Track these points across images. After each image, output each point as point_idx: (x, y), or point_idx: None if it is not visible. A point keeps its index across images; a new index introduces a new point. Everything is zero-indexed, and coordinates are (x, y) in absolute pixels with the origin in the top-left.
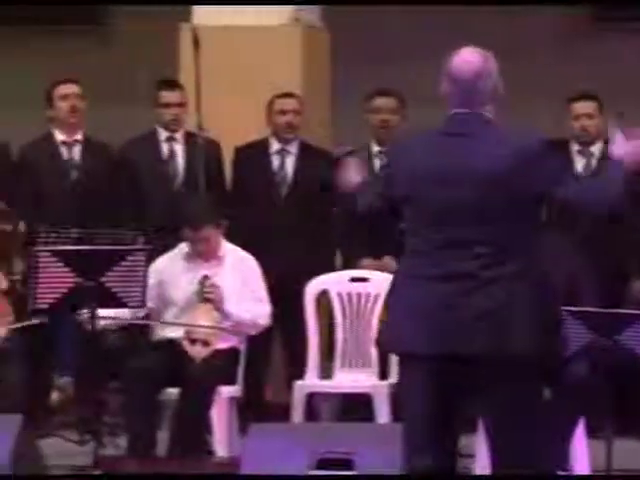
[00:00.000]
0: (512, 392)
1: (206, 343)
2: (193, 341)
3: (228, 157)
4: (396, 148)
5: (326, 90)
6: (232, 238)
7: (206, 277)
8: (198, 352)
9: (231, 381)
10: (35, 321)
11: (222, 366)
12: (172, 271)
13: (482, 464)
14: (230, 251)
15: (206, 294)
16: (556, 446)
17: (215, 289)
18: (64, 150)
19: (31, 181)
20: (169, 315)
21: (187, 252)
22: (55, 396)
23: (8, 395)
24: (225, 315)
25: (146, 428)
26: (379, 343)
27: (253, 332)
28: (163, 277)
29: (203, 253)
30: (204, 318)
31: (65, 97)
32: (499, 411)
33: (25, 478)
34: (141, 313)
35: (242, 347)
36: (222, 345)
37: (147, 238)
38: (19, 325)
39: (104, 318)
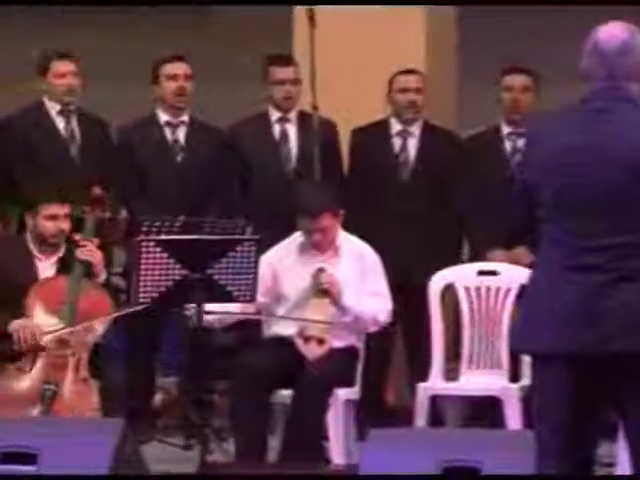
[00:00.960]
0: None
1: (321, 341)
2: (307, 339)
3: (345, 140)
4: (532, 129)
5: (451, 67)
6: (350, 227)
7: (321, 269)
8: (312, 351)
9: (348, 383)
10: (138, 307)
11: (339, 366)
12: (285, 263)
13: (623, 473)
14: (347, 241)
15: (322, 287)
16: None
17: (331, 282)
18: (168, 132)
19: (132, 165)
20: (281, 311)
21: (301, 243)
22: (159, 398)
23: (109, 397)
24: (342, 310)
25: (256, 432)
26: (512, 343)
27: (372, 329)
28: (275, 270)
29: (319, 244)
30: (319, 314)
31: (173, 77)
32: None
33: None
34: (251, 308)
35: (360, 346)
36: (339, 343)
37: (257, 228)
38: (120, 314)
39: (211, 313)
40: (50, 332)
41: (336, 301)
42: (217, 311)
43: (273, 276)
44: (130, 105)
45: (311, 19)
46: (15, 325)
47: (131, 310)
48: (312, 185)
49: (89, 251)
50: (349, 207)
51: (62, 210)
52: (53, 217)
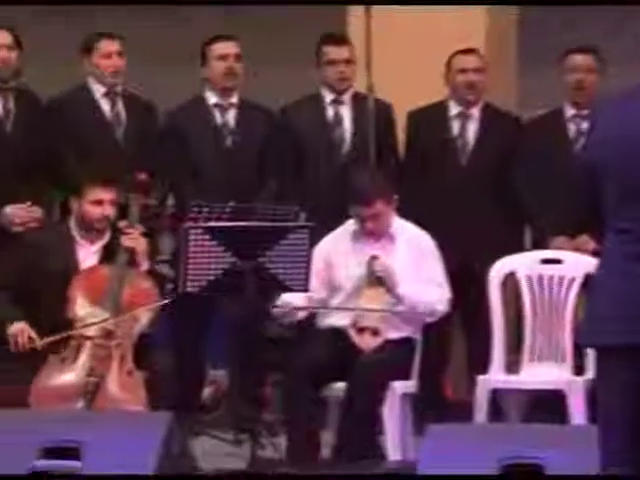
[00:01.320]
0: None
1: (376, 332)
2: (361, 330)
3: (401, 122)
4: (596, 111)
5: (512, 48)
6: (405, 213)
7: (375, 257)
8: (367, 343)
9: (405, 375)
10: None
11: (395, 358)
12: (338, 252)
13: None
14: (403, 228)
15: (376, 275)
16: None
17: (386, 269)
18: (217, 114)
19: (180, 149)
20: (334, 302)
21: (355, 230)
22: (208, 391)
23: (156, 389)
24: (398, 299)
25: (310, 427)
26: (578, 336)
27: (430, 319)
28: (328, 259)
29: (373, 231)
30: (374, 304)
31: (222, 57)
32: None
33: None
34: (304, 299)
35: (417, 337)
36: (394, 335)
37: (310, 214)
38: (166, 302)
39: (263, 303)
40: (94, 323)
41: (391, 290)
42: (279, 305)
43: (326, 266)
44: (174, 89)
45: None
46: (13, 329)
47: (176, 299)
48: (364, 171)
49: (133, 239)
50: (404, 192)
51: (107, 195)
52: (98, 202)
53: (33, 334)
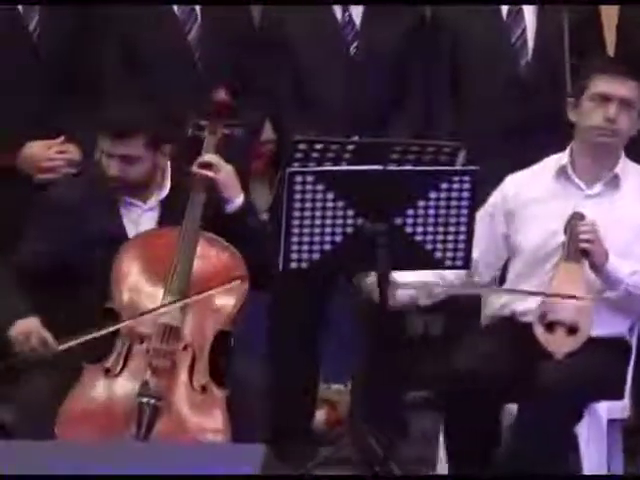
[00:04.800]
0: None
1: (573, 329)
2: (552, 325)
3: None
4: None
5: None
6: None
7: (578, 216)
8: (560, 343)
9: (613, 392)
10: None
11: (599, 367)
12: (528, 197)
13: None
14: (634, 169)
15: (580, 243)
16: None
17: (593, 236)
18: (338, 9)
19: (282, 55)
20: (511, 275)
21: (561, 166)
22: (321, 414)
23: (243, 412)
24: (608, 281)
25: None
26: None
27: None
28: (512, 209)
29: (587, 167)
30: (570, 285)
31: None
32: None
33: None
34: (458, 279)
35: (633, 338)
36: (600, 332)
37: (473, 151)
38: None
39: (403, 286)
40: (151, 311)
41: (598, 266)
42: (412, 283)
43: (507, 220)
44: None
45: None
46: (19, 329)
47: (274, 280)
48: None
49: (213, 169)
50: None
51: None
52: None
53: (47, 334)
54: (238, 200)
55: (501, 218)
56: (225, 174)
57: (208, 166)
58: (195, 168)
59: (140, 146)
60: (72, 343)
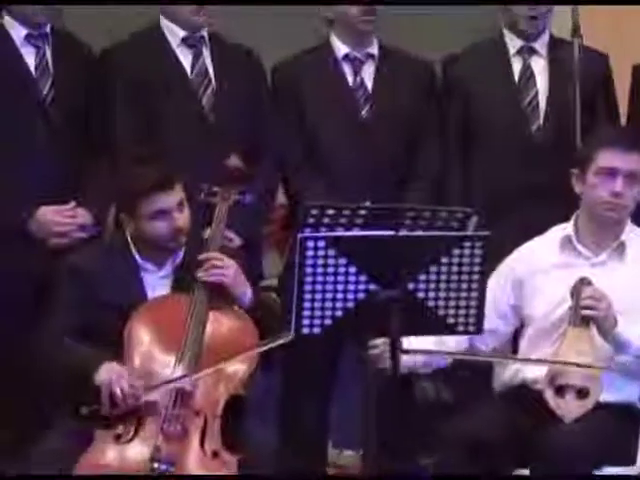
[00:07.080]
0: None
1: (583, 393)
2: (561, 389)
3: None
4: None
5: None
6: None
7: (585, 281)
8: (569, 408)
9: (625, 458)
10: (283, 339)
11: (610, 433)
12: (537, 268)
13: None
14: (636, 238)
15: (584, 310)
16: None
17: (596, 303)
18: (348, 70)
19: (295, 118)
20: (523, 343)
21: (566, 236)
22: None
23: (260, 476)
24: (617, 345)
25: None
26: None
27: None
28: (522, 278)
29: (592, 237)
30: (579, 350)
31: None
32: None
33: None
34: (465, 343)
35: None
36: (610, 397)
37: (486, 217)
38: (269, 346)
39: (413, 353)
40: (164, 383)
41: (606, 331)
42: (423, 349)
43: (514, 291)
44: (287, 40)
45: None
46: (105, 374)
47: (285, 340)
48: None
49: (216, 268)
50: None
51: (174, 198)
52: (161, 213)
53: (135, 380)
54: (248, 292)
55: (509, 289)
56: (231, 274)
57: (211, 266)
58: (201, 273)
59: (180, 191)
60: (154, 389)
